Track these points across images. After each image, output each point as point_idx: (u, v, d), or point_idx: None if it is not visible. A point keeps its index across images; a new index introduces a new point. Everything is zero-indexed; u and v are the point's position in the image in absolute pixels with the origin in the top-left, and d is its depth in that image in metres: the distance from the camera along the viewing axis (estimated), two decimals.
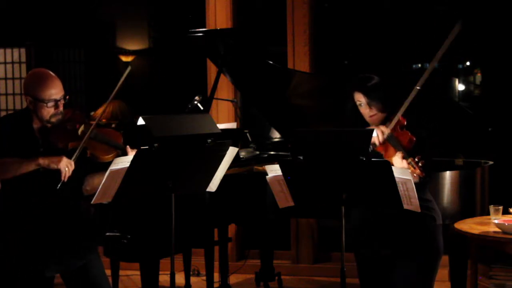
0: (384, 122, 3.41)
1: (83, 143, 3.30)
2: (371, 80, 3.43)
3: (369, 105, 3.40)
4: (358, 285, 3.64)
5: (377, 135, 3.34)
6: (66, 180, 3.27)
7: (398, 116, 3.32)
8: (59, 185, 3.26)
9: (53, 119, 3.36)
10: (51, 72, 3.41)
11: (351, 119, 3.52)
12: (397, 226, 3.39)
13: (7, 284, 3.40)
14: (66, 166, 3.27)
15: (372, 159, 3.12)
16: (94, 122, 3.36)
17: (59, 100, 3.35)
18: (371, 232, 3.45)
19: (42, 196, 3.35)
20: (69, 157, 3.29)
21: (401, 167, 3.18)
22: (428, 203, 3.43)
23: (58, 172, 3.26)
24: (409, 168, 3.17)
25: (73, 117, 3.43)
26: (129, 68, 3.36)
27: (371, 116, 3.43)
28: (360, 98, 3.42)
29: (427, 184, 3.43)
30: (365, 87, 3.41)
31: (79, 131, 3.38)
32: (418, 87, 3.29)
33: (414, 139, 3.28)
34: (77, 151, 3.29)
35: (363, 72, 3.55)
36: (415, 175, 3.15)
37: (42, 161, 3.27)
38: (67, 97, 3.39)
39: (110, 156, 3.39)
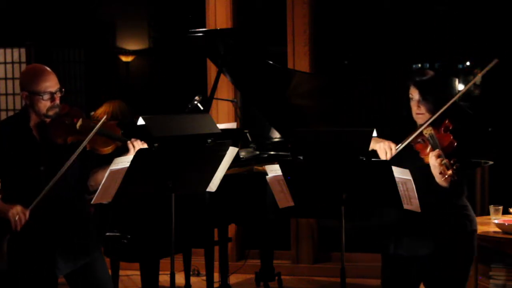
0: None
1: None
2: (426, 74, 3.39)
3: (420, 103, 3.36)
4: (358, 285, 3.63)
5: (385, 153, 3.32)
6: (18, 230, 3.21)
7: (430, 121, 3.29)
8: (8, 236, 3.23)
9: (50, 112, 3.36)
10: (45, 66, 3.42)
11: (405, 111, 3.47)
12: (430, 230, 3.34)
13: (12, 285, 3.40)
14: (17, 215, 3.20)
15: (372, 159, 3.12)
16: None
17: (55, 93, 3.36)
18: (403, 233, 3.40)
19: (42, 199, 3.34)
20: (71, 152, 3.28)
21: (433, 165, 3.16)
22: (463, 209, 3.39)
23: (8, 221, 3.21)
24: (441, 168, 3.13)
25: (71, 111, 3.43)
26: (104, 118, 3.35)
27: (417, 114, 3.39)
28: (414, 93, 3.38)
29: (463, 191, 3.40)
30: (422, 83, 3.35)
31: (77, 125, 3.37)
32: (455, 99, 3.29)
33: (455, 144, 3.24)
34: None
35: (362, 72, 3.56)
36: (446, 176, 3.11)
37: None
38: (63, 89, 3.40)
39: (109, 148, 3.39)
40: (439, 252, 3.33)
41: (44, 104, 3.34)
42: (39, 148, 3.37)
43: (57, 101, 3.38)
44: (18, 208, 3.21)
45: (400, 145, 3.32)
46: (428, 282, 3.43)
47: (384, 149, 3.33)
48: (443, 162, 3.14)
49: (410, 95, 3.40)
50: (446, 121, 3.30)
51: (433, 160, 3.17)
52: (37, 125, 3.39)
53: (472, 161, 4.73)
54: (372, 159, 3.11)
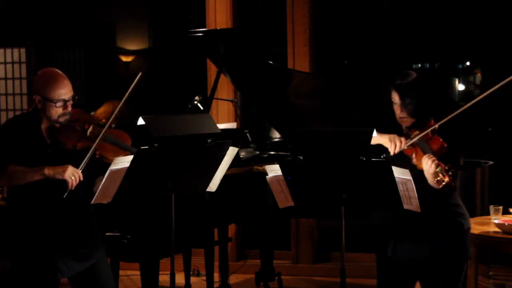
0: (414, 126, 3.35)
1: (96, 144, 3.29)
2: (409, 76, 3.34)
3: (401, 107, 3.34)
4: (358, 285, 3.63)
5: (394, 145, 3.32)
6: (73, 188, 3.27)
7: (435, 127, 3.26)
8: (65, 194, 3.26)
9: (61, 119, 3.35)
10: (61, 72, 3.39)
11: (386, 114, 3.47)
12: (425, 229, 3.33)
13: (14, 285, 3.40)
14: (72, 175, 3.25)
15: (372, 159, 3.12)
16: (107, 124, 3.36)
17: (68, 101, 3.35)
18: (397, 233, 3.39)
19: (50, 200, 3.34)
20: (80, 158, 3.28)
21: (426, 170, 3.14)
22: (457, 208, 3.38)
23: (64, 181, 3.26)
24: (437, 176, 3.10)
25: (82, 117, 3.43)
26: (140, 74, 3.36)
27: (400, 118, 3.38)
28: (395, 97, 3.36)
29: (454, 188, 3.36)
30: (402, 87, 3.32)
31: (88, 132, 3.38)
32: (461, 109, 3.26)
33: (446, 145, 3.23)
34: (90, 153, 3.28)
35: (364, 72, 3.55)
36: (443, 183, 3.09)
37: (48, 171, 3.25)
38: (76, 97, 3.39)
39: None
40: (436, 252, 3.32)
41: (56, 111, 3.33)
42: (48, 150, 3.37)
43: (69, 109, 3.36)
44: (71, 168, 3.26)
45: (409, 141, 3.30)
46: (424, 282, 3.41)
47: (394, 141, 3.31)
48: (438, 169, 3.11)
49: (393, 99, 3.38)
50: (432, 123, 3.29)
51: (427, 166, 3.15)
52: (48, 128, 3.39)
53: (468, 161, 4.74)
54: (372, 159, 3.11)
